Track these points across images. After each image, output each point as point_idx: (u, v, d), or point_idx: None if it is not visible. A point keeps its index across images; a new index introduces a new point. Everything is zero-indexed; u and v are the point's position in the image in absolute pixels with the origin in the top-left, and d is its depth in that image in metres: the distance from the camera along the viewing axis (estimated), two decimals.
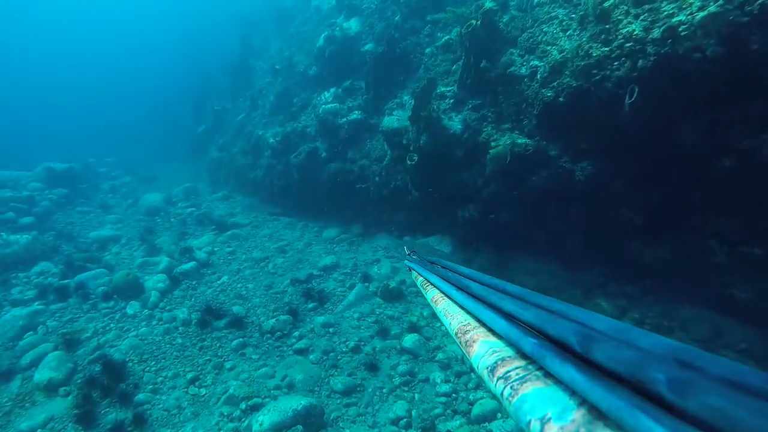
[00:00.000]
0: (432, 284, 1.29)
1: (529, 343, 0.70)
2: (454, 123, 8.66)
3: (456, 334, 0.93)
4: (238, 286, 8.84)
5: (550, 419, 0.56)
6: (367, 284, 8.74)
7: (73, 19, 45.80)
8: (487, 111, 8.41)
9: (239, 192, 14.88)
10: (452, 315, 1.01)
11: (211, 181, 16.67)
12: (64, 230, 11.22)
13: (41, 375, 5.93)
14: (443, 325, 1.04)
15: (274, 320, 7.40)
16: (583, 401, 0.55)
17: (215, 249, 10.43)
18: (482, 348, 0.81)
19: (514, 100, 8.03)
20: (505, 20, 8.07)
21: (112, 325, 7.28)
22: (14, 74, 40.15)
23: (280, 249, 10.49)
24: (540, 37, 7.45)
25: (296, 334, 7.15)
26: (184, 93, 22.48)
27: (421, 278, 1.47)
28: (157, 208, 13.11)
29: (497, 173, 7.95)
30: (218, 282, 8.94)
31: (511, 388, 0.66)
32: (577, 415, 0.54)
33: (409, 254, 2.02)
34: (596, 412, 0.53)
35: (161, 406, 5.66)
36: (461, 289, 1.09)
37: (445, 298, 1.13)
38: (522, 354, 0.73)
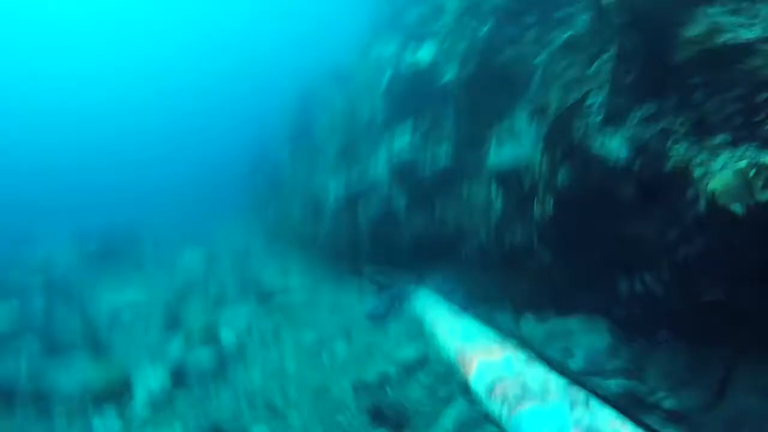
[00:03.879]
0: (431, 307, 1.01)
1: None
2: (614, 145, 5.68)
3: (453, 354, 1.09)
4: (274, 388, 5.99)
5: None
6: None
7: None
8: (672, 120, 5.35)
9: (298, 251, 12.71)
10: (451, 336, 1.18)
11: (267, 239, 14.83)
12: (73, 292, 9.29)
13: None
14: (439, 347, 0.99)
15: None
16: (581, 419, 0.73)
17: (253, 325, 7.81)
18: (480, 368, 1.01)
19: (732, 93, 4.89)
20: None
21: None
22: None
23: (343, 328, 7.66)
24: None
25: None
26: (242, 154, 21.96)
27: (420, 302, 1.13)
28: (196, 269, 11.03)
29: (719, 218, 4.73)
30: (245, 380, 6.16)
31: (508, 407, 0.86)
32: None
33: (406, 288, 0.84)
34: (594, 430, 0.72)
35: None
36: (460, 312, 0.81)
37: (445, 320, 1.16)
38: (519, 373, 0.83)
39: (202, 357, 6.17)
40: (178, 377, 5.82)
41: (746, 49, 4.62)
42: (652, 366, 5.65)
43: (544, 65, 7.71)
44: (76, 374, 5.83)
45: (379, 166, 10.07)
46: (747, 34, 4.68)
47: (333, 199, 10.65)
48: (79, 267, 11.14)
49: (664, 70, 5.45)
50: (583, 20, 7.19)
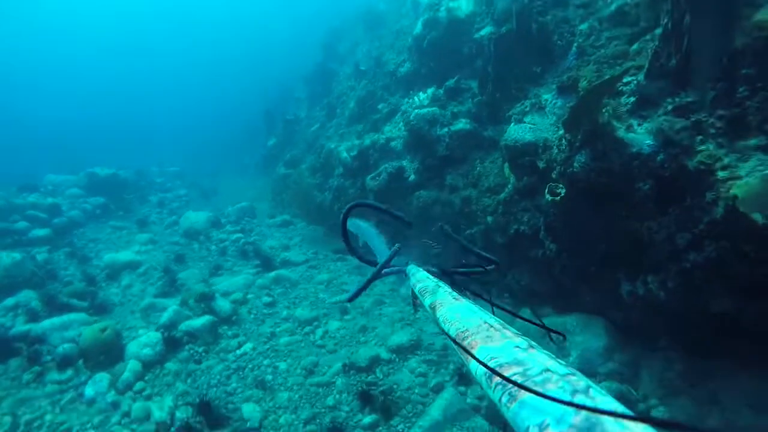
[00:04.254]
0: (431, 291, 1.28)
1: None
2: (639, 135, 5.30)
3: (455, 340, 0.93)
4: (265, 363, 5.98)
5: (548, 425, 0.56)
6: (463, 389, 5.52)
7: (145, 26, 47.91)
8: (708, 115, 4.96)
9: (303, 218, 12.36)
10: (450, 322, 1.01)
11: (273, 203, 14.46)
12: (79, 249, 9.24)
13: None
14: (441, 331, 1.02)
15: None
16: (581, 407, 0.55)
17: (249, 296, 7.74)
18: (480, 354, 0.81)
19: None
20: None
21: (48, 417, 4.67)
22: (87, 83, 42.64)
23: (339, 306, 7.58)
24: None
25: None
26: (260, 103, 21.07)
27: (419, 285, 1.45)
28: (198, 231, 10.90)
29: (736, 226, 4.47)
30: (237, 352, 6.15)
31: (509, 394, 0.67)
32: (576, 420, 0.54)
33: (407, 263, 1.86)
34: (594, 418, 0.53)
35: None
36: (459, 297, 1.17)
37: (444, 305, 1.12)
38: (520, 360, 0.73)
39: (195, 325, 6.14)
40: (171, 344, 5.82)
41: None
42: (647, 372, 5.46)
43: (585, 35, 7.11)
44: (70, 330, 5.86)
45: (395, 126, 9.53)
46: None
47: (343, 160, 10.05)
48: (86, 220, 11.10)
49: (715, 54, 5.03)
50: None
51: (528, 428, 0.60)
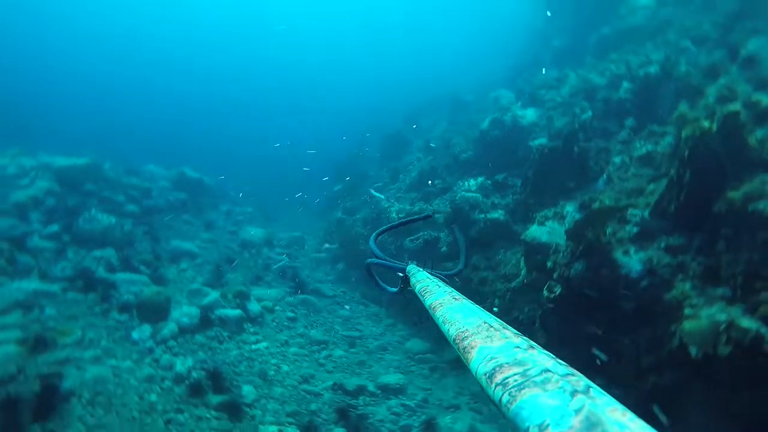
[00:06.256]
0: (431, 291, 1.35)
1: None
2: (632, 261, 6.20)
3: (454, 340, 0.97)
4: (272, 361, 7.09)
5: (548, 426, 0.57)
6: None
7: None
8: (691, 258, 5.84)
9: (344, 260, 13.70)
10: (450, 322, 1.05)
11: (324, 241, 15.96)
12: (155, 230, 11.05)
13: None
14: (442, 332, 1.08)
15: (277, 430, 5.37)
16: (582, 407, 0.57)
17: (276, 308, 8.99)
18: (480, 354, 0.84)
19: (749, 256, 5.38)
20: (759, 135, 5.70)
21: (103, 342, 6.04)
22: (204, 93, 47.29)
23: (348, 339, 8.61)
24: None
25: None
26: (335, 151, 23.52)
27: (420, 285, 1.50)
28: (252, 244, 12.51)
29: (680, 357, 5.25)
30: (253, 347, 7.33)
31: (509, 394, 0.68)
32: (576, 421, 0.55)
33: (407, 262, 1.94)
34: (595, 418, 0.54)
35: None
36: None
37: (444, 305, 1.17)
38: (520, 360, 0.76)
39: (228, 314, 7.43)
40: (205, 322, 7.10)
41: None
42: None
43: (617, 166, 8.22)
44: (134, 287, 7.36)
45: (443, 202, 10.72)
46: None
47: (390, 220, 11.29)
48: (166, 208, 13.07)
49: (702, 213, 5.97)
50: (668, 141, 7.71)
51: (528, 429, 0.59)
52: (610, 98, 9.60)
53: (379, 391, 7.05)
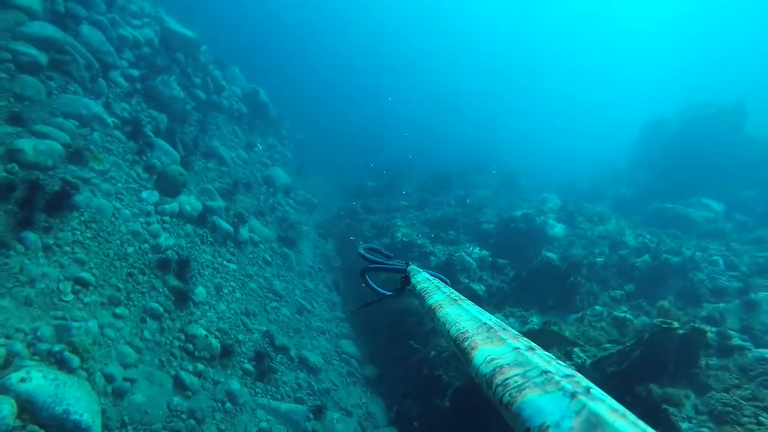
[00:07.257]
0: (432, 293, 1.37)
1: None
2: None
3: (455, 341, 0.97)
4: (231, 282, 7.85)
5: (548, 427, 0.57)
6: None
7: None
8: None
9: (337, 246, 14.44)
10: (451, 323, 1.06)
11: (332, 219, 16.67)
12: (206, 122, 12.02)
13: None
14: (443, 332, 1.08)
15: (203, 334, 6.10)
16: (582, 409, 0.58)
17: (261, 245, 9.78)
18: (481, 355, 0.84)
19: None
20: (712, 362, 6.30)
21: (120, 185, 6.89)
22: None
23: (299, 306, 9.32)
24: None
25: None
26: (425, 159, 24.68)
27: (420, 286, 1.51)
28: (273, 184, 13.39)
29: None
30: (224, 263, 8.11)
31: (509, 395, 0.68)
32: (576, 422, 0.56)
33: (407, 263, 1.98)
34: (595, 419, 0.55)
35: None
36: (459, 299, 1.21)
37: (444, 306, 1.19)
38: (520, 362, 0.76)
39: (223, 224, 8.32)
40: (201, 219, 7.99)
41: None
42: None
43: (595, 313, 8.81)
44: (166, 157, 8.29)
45: (443, 251, 11.40)
46: None
47: (394, 238, 12.35)
48: (227, 112, 14.12)
49: (627, 388, 6.59)
50: (643, 320, 8.33)
51: (528, 430, 0.59)
52: (627, 259, 10.23)
53: (297, 360, 7.74)
